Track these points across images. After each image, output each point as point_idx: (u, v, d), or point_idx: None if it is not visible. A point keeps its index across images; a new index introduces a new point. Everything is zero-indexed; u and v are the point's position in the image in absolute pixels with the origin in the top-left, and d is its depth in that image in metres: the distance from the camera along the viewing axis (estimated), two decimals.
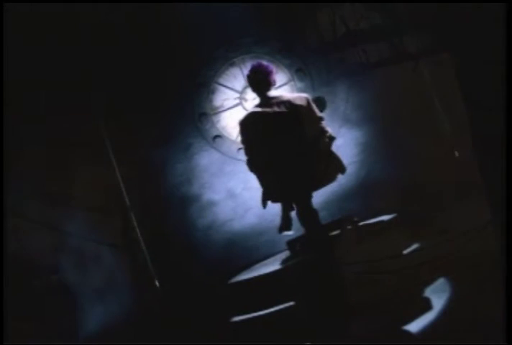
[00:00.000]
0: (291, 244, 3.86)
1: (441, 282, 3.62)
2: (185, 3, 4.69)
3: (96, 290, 4.30)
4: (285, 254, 4.02)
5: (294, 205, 3.81)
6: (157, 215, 4.64)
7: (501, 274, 2.77)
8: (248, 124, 3.72)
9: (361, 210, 4.16)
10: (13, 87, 4.17)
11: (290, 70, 4.76)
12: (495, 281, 3.00)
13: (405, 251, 3.62)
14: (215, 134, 4.78)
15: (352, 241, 3.57)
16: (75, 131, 4.48)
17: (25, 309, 3.89)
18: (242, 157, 3.90)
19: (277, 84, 4.28)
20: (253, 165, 3.75)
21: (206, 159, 4.74)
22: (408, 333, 3.05)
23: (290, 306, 3.42)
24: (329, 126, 3.85)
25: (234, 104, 4.78)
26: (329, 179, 3.76)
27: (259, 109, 3.73)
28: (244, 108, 4.69)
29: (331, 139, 3.75)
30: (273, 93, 3.82)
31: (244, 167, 3.91)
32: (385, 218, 3.89)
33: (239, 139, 3.86)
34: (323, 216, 3.86)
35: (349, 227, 3.68)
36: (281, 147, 3.60)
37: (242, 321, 3.60)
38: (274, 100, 3.72)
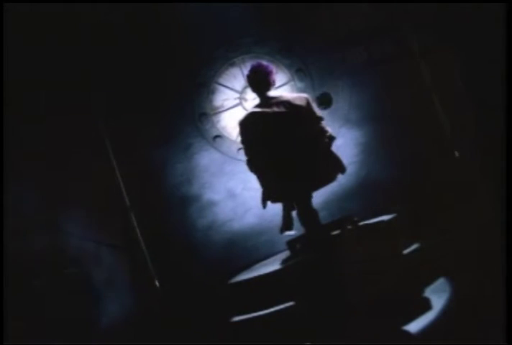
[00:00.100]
0: (291, 244, 3.86)
1: (441, 282, 3.62)
2: (185, 3, 4.69)
3: (96, 289, 4.31)
4: (285, 254, 4.02)
5: (294, 205, 3.82)
6: (157, 215, 4.65)
7: (501, 274, 2.78)
8: (248, 124, 3.72)
9: (361, 210, 4.15)
10: (13, 87, 4.18)
11: (290, 70, 4.76)
12: (495, 281, 3.01)
13: (405, 251, 3.62)
14: (215, 134, 4.78)
15: (352, 241, 3.57)
16: (75, 131, 4.48)
17: (26, 309, 3.89)
18: (242, 157, 3.90)
19: (277, 84, 4.29)
20: (253, 165, 3.75)
21: (206, 159, 4.74)
22: (408, 333, 3.06)
23: (290, 306, 3.41)
24: (329, 126, 3.84)
25: (234, 104, 4.78)
26: (329, 179, 3.75)
27: (258, 109, 3.73)
28: (244, 108, 4.69)
29: (331, 139, 3.75)
30: (273, 93, 3.81)
31: (244, 167, 3.91)
32: (385, 218, 3.88)
33: (239, 139, 3.85)
34: (323, 216, 3.86)
35: (349, 227, 3.67)
36: (281, 147, 3.60)
37: (242, 321, 3.60)
38: (274, 101, 3.71)
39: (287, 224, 3.92)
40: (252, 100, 4.54)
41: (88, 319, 4.11)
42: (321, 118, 3.78)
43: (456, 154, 4.53)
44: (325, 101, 4.05)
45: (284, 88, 4.71)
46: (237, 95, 4.78)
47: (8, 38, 4.12)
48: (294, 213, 3.88)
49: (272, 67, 3.84)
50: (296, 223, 3.83)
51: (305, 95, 3.84)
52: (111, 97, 4.67)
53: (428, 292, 3.46)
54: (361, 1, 4.61)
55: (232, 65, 4.79)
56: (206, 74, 4.78)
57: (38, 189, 4.30)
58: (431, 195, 4.41)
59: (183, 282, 4.50)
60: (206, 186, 4.72)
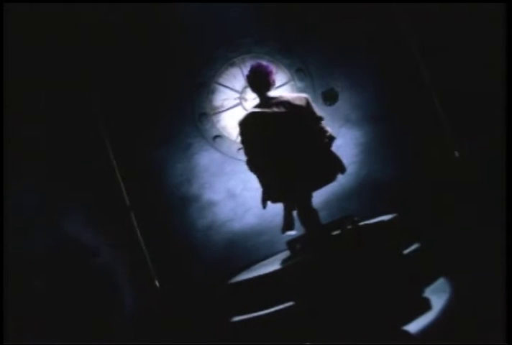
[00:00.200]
0: (291, 244, 3.86)
1: (441, 282, 3.62)
2: (185, 3, 4.70)
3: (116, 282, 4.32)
4: (285, 254, 4.02)
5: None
6: (157, 215, 4.65)
7: (501, 274, 2.78)
8: (248, 124, 3.72)
9: (361, 210, 4.15)
10: (13, 87, 4.18)
11: (290, 70, 4.76)
12: (495, 281, 3.01)
13: (405, 251, 3.62)
14: (215, 133, 4.78)
15: (352, 241, 3.57)
16: (76, 131, 4.48)
17: (26, 309, 3.89)
18: (242, 157, 3.90)
19: (277, 84, 4.30)
20: (253, 165, 3.75)
21: (206, 159, 4.74)
22: (407, 333, 3.06)
23: (290, 306, 3.41)
24: (329, 126, 3.84)
25: (234, 104, 4.78)
26: (329, 179, 3.75)
27: (258, 109, 3.73)
28: (244, 108, 4.69)
29: (331, 138, 3.75)
30: (273, 93, 3.81)
31: (244, 167, 3.91)
32: (385, 218, 3.89)
33: (239, 139, 3.85)
34: (323, 216, 3.86)
35: (349, 227, 3.67)
36: (281, 147, 3.60)
37: (242, 321, 3.60)
38: (273, 101, 3.72)
39: (288, 224, 3.91)
40: (252, 100, 4.54)
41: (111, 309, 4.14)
42: (320, 118, 3.78)
43: (456, 154, 4.53)
44: (331, 97, 4.03)
45: (284, 88, 4.71)
46: (237, 95, 4.78)
47: (8, 38, 4.12)
48: (295, 213, 3.88)
49: (272, 68, 3.84)
50: (297, 223, 3.84)
51: (304, 95, 3.84)
52: (111, 97, 4.67)
53: (428, 292, 3.45)
54: (361, 1, 4.61)
55: (232, 64, 4.79)
56: (205, 74, 4.78)
57: (38, 189, 4.30)
58: (431, 195, 4.42)
59: (183, 282, 4.51)
60: (205, 186, 4.72)
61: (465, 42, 4.32)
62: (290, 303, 3.42)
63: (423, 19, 4.47)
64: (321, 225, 3.72)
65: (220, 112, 4.80)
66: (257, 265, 4.27)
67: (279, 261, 3.84)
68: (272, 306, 3.47)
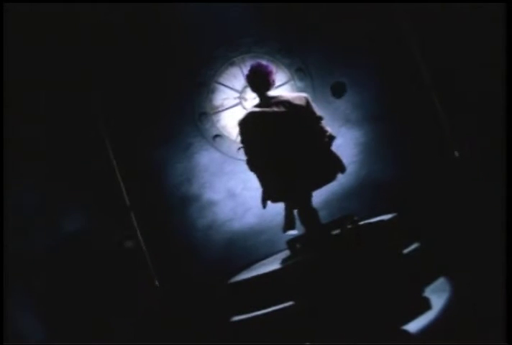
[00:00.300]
0: (291, 243, 3.86)
1: (441, 282, 3.62)
2: (185, 3, 4.70)
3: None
4: (285, 253, 4.02)
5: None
6: (157, 215, 4.65)
7: (501, 274, 2.78)
8: (248, 124, 3.72)
9: (361, 210, 4.15)
10: (13, 87, 4.18)
11: (290, 69, 4.76)
12: (495, 281, 3.01)
13: (405, 251, 3.62)
14: (215, 133, 4.78)
15: (352, 240, 3.57)
16: (76, 131, 4.49)
17: (26, 308, 3.89)
18: (242, 156, 3.90)
19: (277, 84, 4.29)
20: (253, 165, 3.75)
21: (206, 158, 4.74)
22: (407, 332, 3.05)
23: (290, 306, 3.41)
24: (329, 126, 3.84)
25: (233, 104, 4.78)
26: (329, 178, 3.75)
27: (258, 109, 3.73)
28: (244, 108, 4.69)
29: (331, 138, 3.75)
30: (273, 92, 3.81)
31: (244, 167, 3.91)
32: (385, 217, 3.88)
33: (239, 138, 3.85)
34: (323, 216, 3.85)
35: (349, 226, 3.67)
36: (281, 147, 3.60)
37: (242, 321, 3.60)
38: (273, 100, 3.71)
39: (289, 223, 3.90)
40: (251, 99, 4.54)
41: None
42: (320, 118, 3.78)
43: (456, 154, 4.53)
44: (338, 90, 4.01)
45: (284, 88, 4.71)
46: (237, 94, 4.78)
47: (8, 38, 4.13)
48: (296, 212, 3.87)
49: (272, 67, 3.84)
50: (297, 222, 3.83)
51: (304, 94, 3.84)
52: (111, 97, 4.67)
53: (428, 292, 3.45)
54: (362, 1, 4.61)
55: (232, 64, 4.79)
56: (205, 73, 4.78)
57: (38, 189, 4.30)
58: (431, 195, 4.41)
59: (183, 282, 4.51)
60: (205, 186, 4.72)
61: (465, 42, 4.32)
62: (290, 303, 3.42)
63: (423, 19, 4.46)
64: (321, 224, 3.72)
65: (220, 111, 4.80)
66: (257, 265, 4.27)
67: (279, 261, 3.84)
68: (272, 306, 3.47)
